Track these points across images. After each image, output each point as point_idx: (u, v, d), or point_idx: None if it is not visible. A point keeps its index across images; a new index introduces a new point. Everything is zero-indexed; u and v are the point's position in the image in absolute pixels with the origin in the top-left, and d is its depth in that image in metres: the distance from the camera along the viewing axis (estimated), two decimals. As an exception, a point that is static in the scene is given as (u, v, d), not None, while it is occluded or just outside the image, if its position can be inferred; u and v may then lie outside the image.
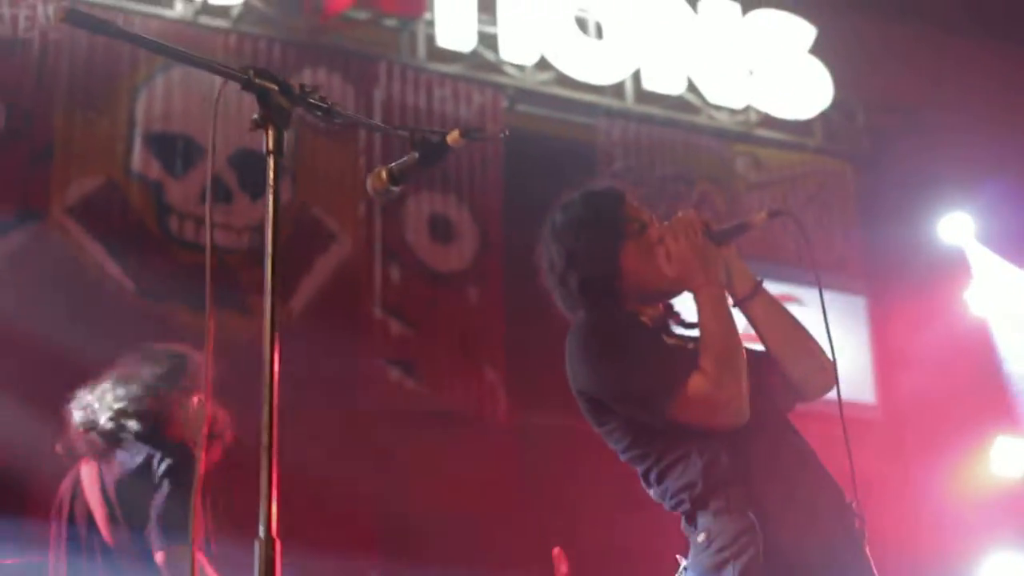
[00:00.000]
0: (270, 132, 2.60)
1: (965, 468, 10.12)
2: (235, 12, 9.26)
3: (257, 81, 2.58)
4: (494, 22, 10.09)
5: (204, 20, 9.20)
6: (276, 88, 2.60)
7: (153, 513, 4.70)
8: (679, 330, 3.93)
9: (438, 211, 9.58)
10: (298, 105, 2.63)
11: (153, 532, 4.68)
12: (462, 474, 8.64)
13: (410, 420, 8.88)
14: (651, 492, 3.78)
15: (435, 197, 9.61)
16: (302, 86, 2.63)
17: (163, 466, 4.80)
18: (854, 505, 3.69)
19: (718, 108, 10.90)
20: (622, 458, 3.80)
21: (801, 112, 11.08)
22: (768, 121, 11.07)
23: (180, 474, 4.75)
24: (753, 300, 3.85)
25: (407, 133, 2.86)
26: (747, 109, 10.99)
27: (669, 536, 4.24)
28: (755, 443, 3.63)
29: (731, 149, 10.99)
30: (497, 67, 10.17)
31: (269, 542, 2.32)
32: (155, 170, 8.78)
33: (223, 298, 8.64)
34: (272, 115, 2.59)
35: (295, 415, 8.09)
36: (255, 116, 2.62)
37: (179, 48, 2.72)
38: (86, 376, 4.94)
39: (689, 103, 10.81)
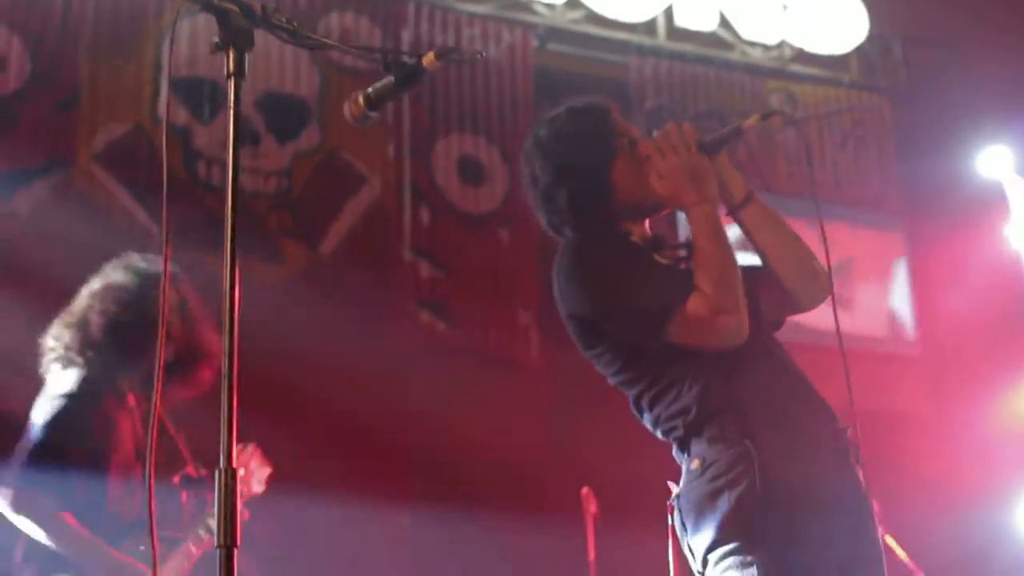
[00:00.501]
0: (231, 54, 2.52)
1: (1004, 403, 10.00)
2: (261, -44, 9.19)
3: (216, 2, 2.51)
4: (524, -40, 9.99)
5: (228, -38, 9.14)
6: (236, 9, 2.52)
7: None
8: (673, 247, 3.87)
9: (468, 152, 9.52)
10: (259, 26, 2.57)
11: None
12: (494, 415, 8.62)
13: (442, 361, 8.85)
14: (643, 418, 3.73)
15: (464, 139, 9.55)
16: (263, 7, 2.56)
17: None
18: (849, 431, 3.63)
19: (752, 44, 10.78)
20: (612, 382, 3.75)
21: (836, 47, 10.93)
22: (802, 56, 10.93)
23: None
24: (746, 208, 3.78)
25: (380, 56, 2.79)
26: (781, 44, 10.85)
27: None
28: (749, 368, 3.57)
29: (765, 85, 10.86)
30: (527, 6, 10.08)
31: (229, 472, 2.27)
32: (182, 115, 8.74)
33: (251, 244, 8.64)
34: (232, 37, 2.53)
35: (327, 357, 8.11)
36: (215, 39, 2.56)
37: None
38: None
39: (722, 39, 10.70)
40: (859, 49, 11.07)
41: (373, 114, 2.89)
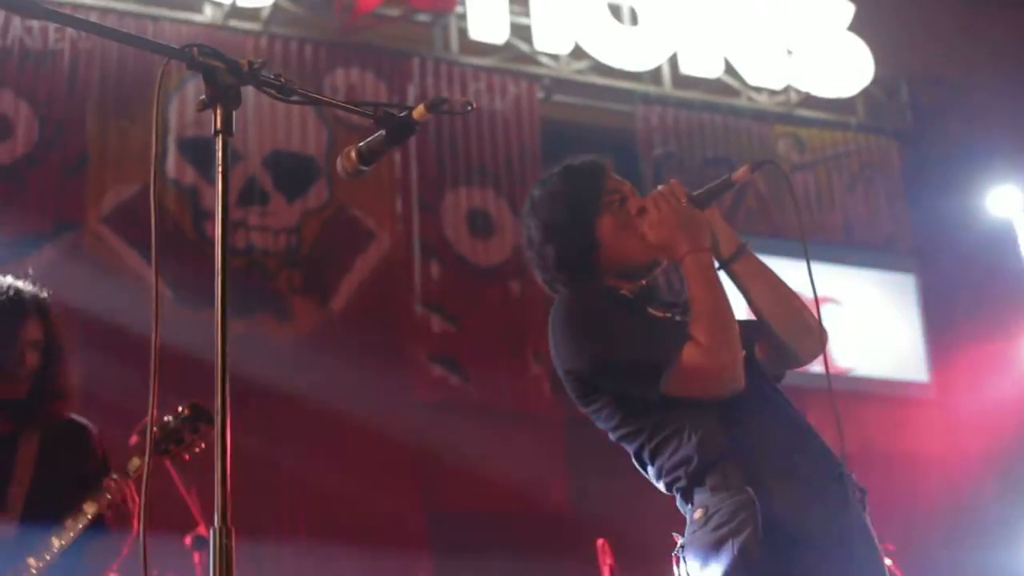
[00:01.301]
0: (218, 112, 2.52)
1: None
2: (265, 14, 9.26)
3: (201, 59, 2.51)
4: (527, 12, 10.05)
5: (234, 23, 9.22)
6: (223, 66, 2.52)
7: None
8: (669, 300, 3.86)
9: (476, 205, 9.53)
10: (247, 83, 2.56)
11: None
12: (510, 466, 8.60)
13: (455, 415, 8.84)
14: (646, 472, 3.70)
15: (473, 192, 9.57)
16: (250, 63, 2.56)
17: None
18: (853, 476, 3.62)
19: (758, 90, 10.81)
20: (612, 437, 3.73)
21: (842, 90, 10.95)
22: (809, 100, 10.97)
23: None
24: (738, 261, 3.76)
25: (371, 111, 2.79)
26: (787, 89, 10.88)
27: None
28: (749, 415, 3.55)
29: (772, 130, 10.90)
30: (531, 58, 10.13)
31: (224, 531, 2.26)
32: (190, 175, 8.79)
33: (261, 301, 8.66)
34: (219, 94, 2.53)
35: (341, 413, 8.10)
36: (202, 97, 2.56)
37: (111, 27, 2.67)
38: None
39: (728, 85, 10.72)
40: (865, 92, 11.09)
41: (366, 168, 2.89)
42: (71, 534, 4.47)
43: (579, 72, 10.25)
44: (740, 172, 3.68)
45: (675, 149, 10.28)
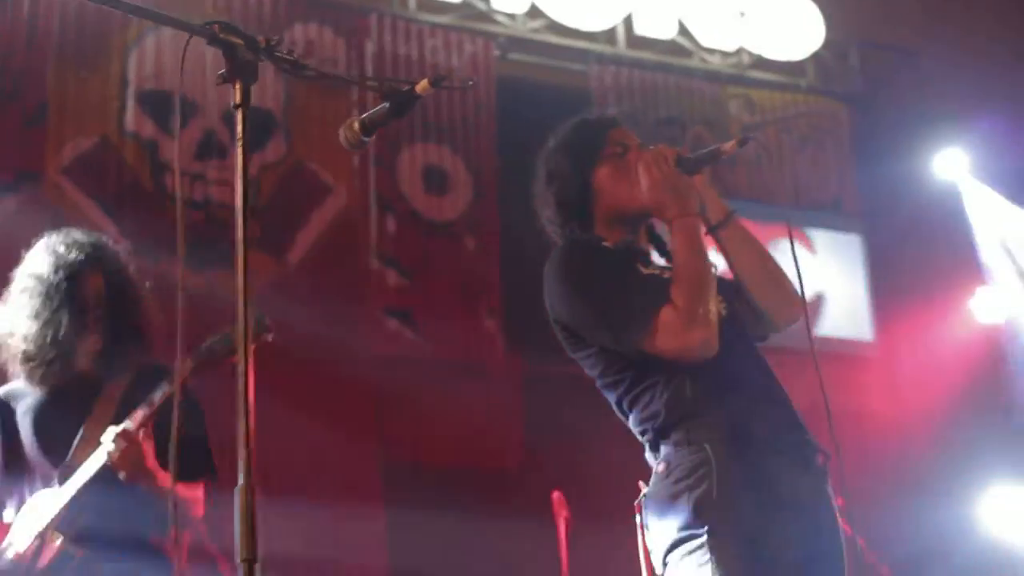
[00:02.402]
0: (237, 86, 2.62)
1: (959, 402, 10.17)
2: (224, -33, 9.27)
3: (221, 36, 2.61)
4: (484, -30, 10.10)
5: (193, -23, 9.21)
6: (241, 42, 2.62)
7: None
8: (658, 260, 3.99)
9: (432, 162, 9.60)
10: (264, 59, 2.66)
11: None
12: (464, 421, 8.71)
13: (410, 369, 8.93)
14: (627, 421, 3.86)
15: (429, 148, 9.63)
16: (267, 39, 2.66)
17: None
18: (815, 440, 3.77)
19: (710, 51, 10.91)
20: (597, 385, 3.89)
21: (793, 53, 11.07)
22: (760, 63, 11.07)
23: None
24: (724, 228, 3.90)
25: (377, 84, 2.89)
26: (739, 51, 10.99)
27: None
28: (721, 376, 3.70)
29: (724, 92, 10.99)
30: (488, 16, 10.19)
31: (248, 490, 2.37)
32: (149, 128, 8.81)
33: (219, 254, 8.70)
34: (238, 69, 2.63)
35: (295, 365, 8.17)
36: (221, 71, 2.65)
37: (138, 4, 2.75)
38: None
39: (681, 47, 10.82)
40: (816, 55, 11.21)
41: (367, 139, 3.00)
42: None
43: (535, 31, 10.31)
44: (729, 145, 3.81)
45: (628, 109, 10.36)
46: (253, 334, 4.58)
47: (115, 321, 4.70)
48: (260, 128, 9.09)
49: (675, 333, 3.62)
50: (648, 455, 3.81)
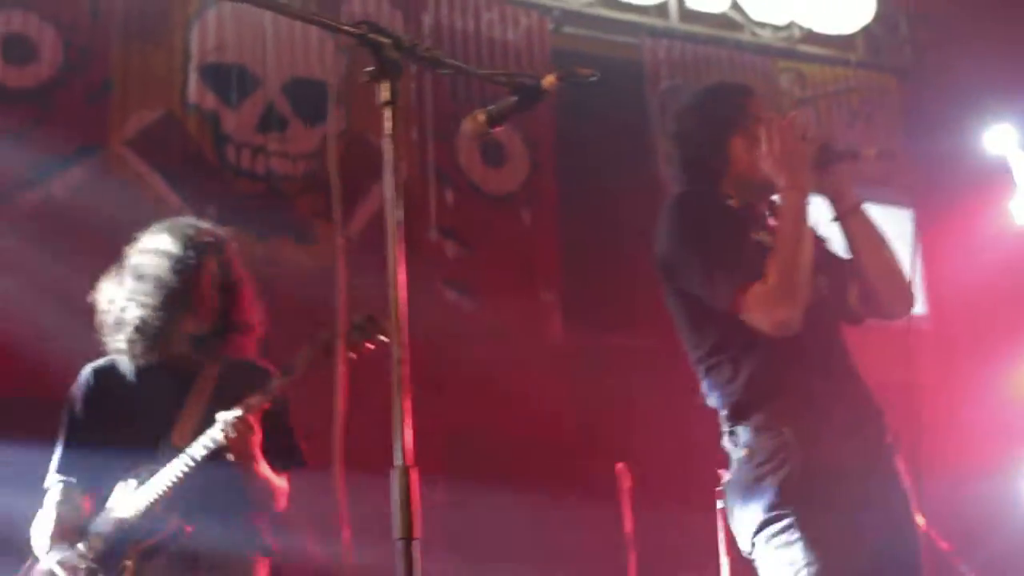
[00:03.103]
0: (385, 84, 2.72)
1: (1012, 374, 10.22)
2: (282, -59, 9.30)
3: (371, 36, 2.70)
4: (539, -56, 10.14)
5: (252, -50, 9.25)
6: (388, 41, 2.72)
7: None
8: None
9: (489, 135, 9.65)
10: (407, 57, 2.76)
11: None
12: (520, 392, 8.79)
13: (467, 340, 9.01)
14: (700, 378, 3.99)
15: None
16: (412, 40, 2.75)
17: None
18: (886, 419, 3.89)
19: (761, 25, 10.94)
20: (681, 336, 4.01)
21: (844, 27, 11.09)
22: (811, 37, 11.10)
23: None
24: (852, 217, 4.01)
25: (505, 79, 2.99)
26: (790, 25, 11.01)
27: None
28: (801, 359, 3.81)
29: (775, 66, 11.03)
30: (542, -11, 10.23)
31: (405, 470, 2.47)
32: (211, 100, 8.90)
33: (280, 225, 8.81)
34: (386, 68, 2.72)
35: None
36: (370, 69, 2.75)
37: (297, 8, 2.84)
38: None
39: (733, 20, 10.86)
40: (866, 29, 11.23)
41: (492, 130, 3.09)
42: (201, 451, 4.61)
43: (588, 4, 10.35)
44: (870, 151, 3.94)
45: (680, 82, 10.42)
46: (366, 336, 4.71)
47: (220, 309, 4.84)
48: (320, 100, 9.17)
49: (761, 306, 3.75)
50: (726, 441, 3.93)
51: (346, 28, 2.72)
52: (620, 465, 7.06)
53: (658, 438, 8.64)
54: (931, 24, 11.50)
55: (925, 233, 10.90)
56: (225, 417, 4.52)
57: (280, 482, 4.81)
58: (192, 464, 4.53)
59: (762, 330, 3.78)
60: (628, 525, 6.92)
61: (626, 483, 7.02)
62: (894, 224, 10.77)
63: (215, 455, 4.55)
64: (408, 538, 2.46)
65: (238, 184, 8.79)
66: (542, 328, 9.43)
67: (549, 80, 3.00)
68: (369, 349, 4.75)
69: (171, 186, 8.56)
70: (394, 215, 2.64)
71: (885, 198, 10.74)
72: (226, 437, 4.50)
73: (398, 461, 2.48)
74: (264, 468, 4.68)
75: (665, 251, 3.99)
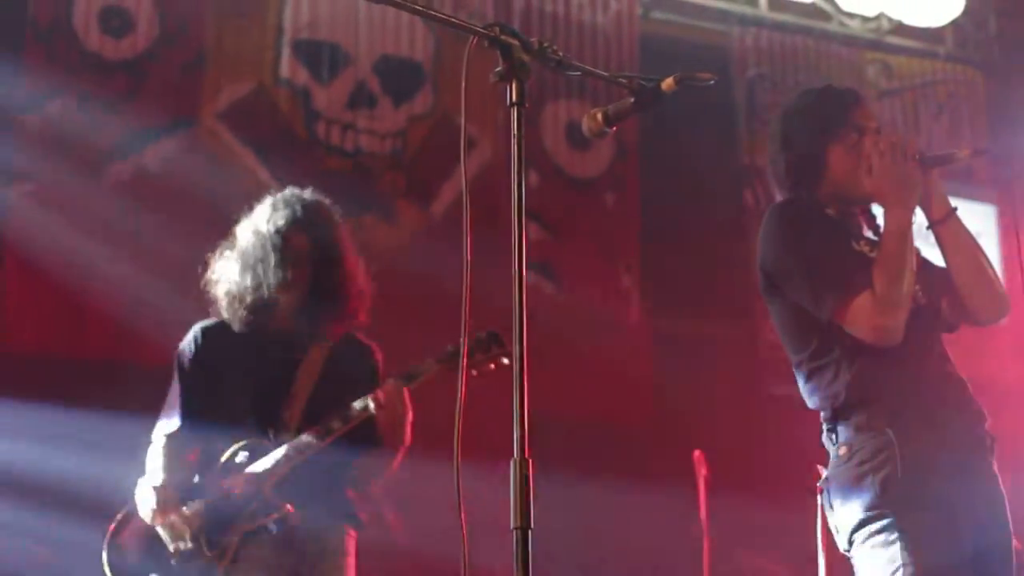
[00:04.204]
0: (513, 85, 2.78)
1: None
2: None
3: (502, 37, 2.77)
4: (629, -71, 10.15)
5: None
6: (517, 43, 2.78)
7: None
8: (869, 236, 4.13)
9: (575, 117, 9.67)
10: (535, 58, 2.82)
11: None
12: (598, 375, 8.84)
13: (547, 321, 9.05)
14: (801, 385, 4.03)
15: (572, 104, 9.72)
16: (540, 42, 2.81)
17: None
18: (987, 424, 3.93)
19: (850, 15, 10.91)
20: (782, 340, 4.06)
21: (932, 19, 11.01)
22: (899, 28, 11.05)
23: None
24: (944, 224, 4.02)
25: (626, 81, 3.04)
26: (879, 16, 10.97)
27: (801, 440, 4.48)
28: (904, 363, 3.85)
29: (862, 56, 11.01)
30: (633, -26, 10.25)
31: (523, 463, 2.55)
32: (302, 76, 8.99)
33: (365, 203, 8.89)
34: (515, 69, 2.78)
35: (438, 315, 8.33)
36: (499, 69, 2.81)
37: (431, 10, 2.91)
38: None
39: (821, 10, 10.84)
40: (954, 22, 11.16)
41: (608, 130, 3.15)
42: (322, 438, 4.71)
43: (678, -10, 10.40)
44: (965, 152, 3.96)
45: (768, 71, 10.43)
46: (489, 356, 4.78)
47: (318, 281, 4.90)
48: (409, 79, 9.24)
49: (867, 316, 3.78)
50: (825, 438, 3.97)
51: (478, 29, 2.78)
52: (697, 452, 7.11)
53: (734, 425, 8.68)
54: (1018, 20, 11.42)
55: (1008, 229, 10.92)
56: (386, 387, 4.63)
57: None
58: (317, 446, 4.63)
59: (863, 338, 3.83)
60: (703, 512, 6.97)
61: (702, 470, 7.07)
62: (976, 220, 10.80)
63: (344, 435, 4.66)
64: (525, 527, 2.52)
65: (328, 160, 8.89)
66: (622, 312, 9.48)
67: (668, 83, 3.05)
68: (491, 370, 4.83)
69: (260, 160, 8.67)
70: (518, 224, 2.64)
71: (967, 194, 10.74)
72: (375, 402, 4.60)
73: (516, 453, 2.55)
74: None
75: (768, 259, 4.02)
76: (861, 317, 3.80)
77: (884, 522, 3.74)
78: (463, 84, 2.79)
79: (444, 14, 2.96)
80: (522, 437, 2.56)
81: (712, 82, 3.06)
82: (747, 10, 10.59)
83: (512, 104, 2.80)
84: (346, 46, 9.05)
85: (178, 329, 5.19)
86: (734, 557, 7.38)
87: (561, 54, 2.89)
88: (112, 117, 8.28)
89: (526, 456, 2.57)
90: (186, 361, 4.96)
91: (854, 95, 4.22)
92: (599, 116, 3.15)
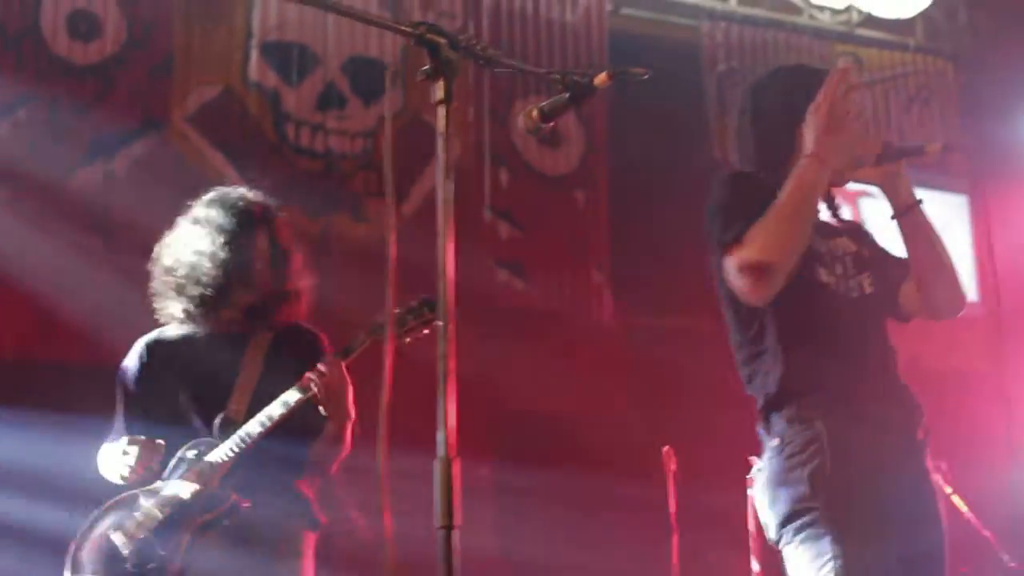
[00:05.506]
0: (441, 83, 2.79)
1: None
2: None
3: (428, 36, 2.78)
4: (599, -75, 10.16)
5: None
6: (444, 41, 2.79)
7: None
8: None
9: (545, 116, 9.69)
10: (464, 56, 2.83)
11: None
12: (569, 373, 8.85)
13: (519, 319, 9.07)
14: (738, 367, 4.04)
15: (541, 101, 9.69)
16: (467, 38, 2.82)
17: None
18: (920, 415, 3.93)
19: (820, 8, 10.94)
20: (727, 320, 4.05)
21: (902, 11, 11.03)
22: (869, 21, 11.08)
23: None
24: (908, 216, 4.01)
25: (558, 76, 3.05)
26: (849, 9, 10.99)
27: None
28: (841, 353, 3.85)
29: (833, 49, 11.03)
30: (601, -30, 10.26)
31: (447, 462, 2.56)
32: (271, 78, 9.00)
33: (336, 202, 8.91)
34: (442, 67, 2.80)
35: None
36: (426, 68, 2.82)
37: (355, 9, 2.92)
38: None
39: (791, 3, 10.88)
40: (924, 14, 11.18)
41: (546, 126, 3.16)
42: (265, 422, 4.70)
43: (646, -14, 10.41)
44: (933, 148, 3.94)
45: (738, 65, 10.45)
46: (422, 320, 4.79)
47: (272, 281, 4.92)
48: (378, 80, 9.25)
49: (737, 266, 3.75)
50: (760, 429, 3.97)
51: (404, 28, 2.79)
52: (666, 448, 7.12)
53: (705, 420, 8.69)
54: (989, 10, 11.45)
55: (979, 219, 10.96)
56: (321, 366, 4.63)
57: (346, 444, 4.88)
58: (259, 434, 4.63)
59: (734, 279, 3.78)
60: (672, 506, 6.98)
61: (671, 465, 7.09)
62: (948, 210, 10.85)
63: (280, 425, 4.65)
64: (448, 527, 2.53)
65: (297, 161, 8.90)
66: (593, 309, 9.49)
67: (601, 79, 3.06)
68: (424, 334, 4.81)
69: (230, 162, 8.67)
70: (446, 204, 2.66)
71: (939, 184, 10.78)
72: (314, 384, 4.60)
73: (440, 452, 2.55)
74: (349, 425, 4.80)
75: (706, 223, 3.97)
76: (733, 269, 3.76)
77: (812, 515, 3.74)
78: (386, 85, 2.80)
79: (372, 15, 2.97)
80: (448, 434, 2.56)
81: (646, 77, 3.06)
82: (717, 5, 10.61)
83: (438, 102, 2.80)
84: (315, 47, 9.06)
85: (149, 332, 5.18)
86: (703, 551, 7.39)
87: (490, 51, 2.89)
88: (82, 121, 8.28)
89: (451, 456, 2.56)
90: (131, 381, 4.95)
91: (822, 72, 4.13)
92: (534, 113, 3.16)
